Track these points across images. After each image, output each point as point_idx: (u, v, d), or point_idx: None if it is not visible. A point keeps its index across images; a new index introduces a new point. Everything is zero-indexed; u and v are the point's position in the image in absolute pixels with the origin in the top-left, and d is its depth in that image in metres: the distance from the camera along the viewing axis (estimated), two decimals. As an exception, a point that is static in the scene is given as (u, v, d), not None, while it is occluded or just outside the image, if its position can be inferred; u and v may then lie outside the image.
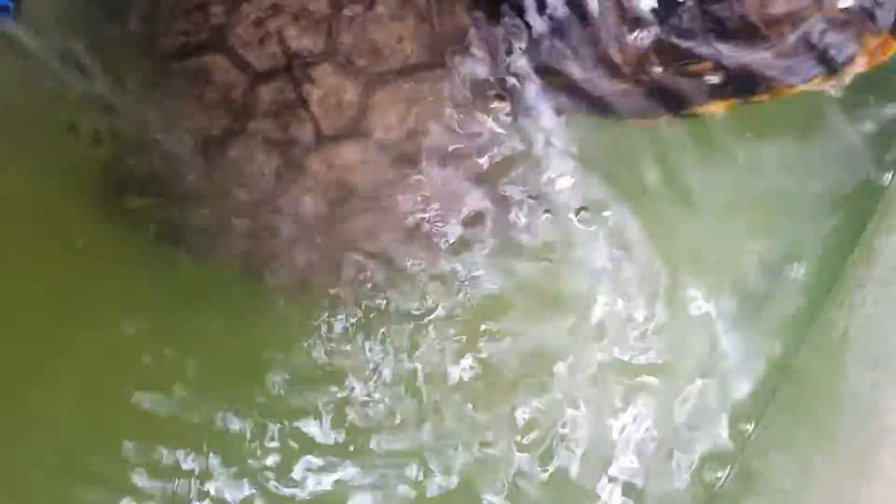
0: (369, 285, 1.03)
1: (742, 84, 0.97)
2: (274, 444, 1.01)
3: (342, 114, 0.96)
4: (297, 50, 0.95)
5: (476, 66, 1.02)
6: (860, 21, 0.92)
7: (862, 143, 1.04)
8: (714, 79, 0.97)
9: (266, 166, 0.98)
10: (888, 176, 1.04)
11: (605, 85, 0.98)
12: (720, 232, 1.04)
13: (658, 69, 0.97)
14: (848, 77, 0.97)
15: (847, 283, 1.00)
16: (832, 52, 0.94)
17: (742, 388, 1.02)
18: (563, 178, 1.03)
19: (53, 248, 1.03)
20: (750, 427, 1.01)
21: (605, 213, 1.03)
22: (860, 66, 0.95)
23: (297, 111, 0.95)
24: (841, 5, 0.92)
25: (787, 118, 1.05)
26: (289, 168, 0.97)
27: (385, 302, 1.03)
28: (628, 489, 1.01)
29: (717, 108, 1.00)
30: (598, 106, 1.00)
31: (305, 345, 1.02)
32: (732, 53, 0.95)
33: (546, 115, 1.01)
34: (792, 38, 0.94)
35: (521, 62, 1.00)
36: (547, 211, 1.03)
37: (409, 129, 0.98)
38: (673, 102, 1.00)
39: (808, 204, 1.04)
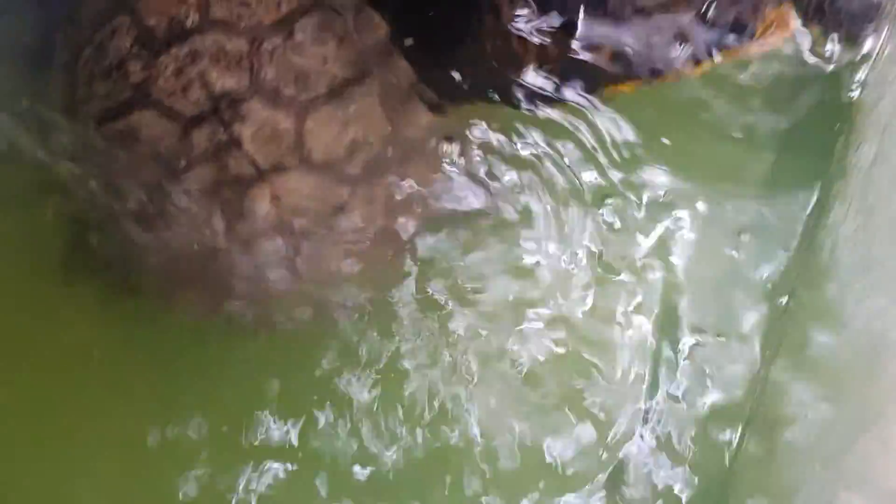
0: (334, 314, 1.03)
1: (644, 67, 0.98)
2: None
3: (279, 145, 0.96)
4: (223, 91, 0.95)
5: (400, 72, 1.03)
6: None
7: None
8: (613, 65, 0.98)
9: (212, 213, 0.97)
10: (853, 94, 1.05)
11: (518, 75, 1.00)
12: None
13: (557, 58, 0.99)
14: (753, 53, 0.99)
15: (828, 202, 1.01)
16: (730, 29, 0.95)
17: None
18: (505, 175, 1.05)
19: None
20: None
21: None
22: (761, 45, 0.96)
23: (233, 151, 0.95)
24: None
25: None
26: (235, 210, 0.97)
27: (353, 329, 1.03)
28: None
29: (626, 89, 1.02)
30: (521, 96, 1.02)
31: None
32: (629, 38, 0.97)
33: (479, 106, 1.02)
34: (687, 17, 0.95)
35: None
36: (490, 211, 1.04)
37: (349, 148, 0.99)
38: (586, 85, 1.02)
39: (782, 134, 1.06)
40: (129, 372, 1.02)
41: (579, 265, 1.04)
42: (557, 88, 1.02)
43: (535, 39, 0.99)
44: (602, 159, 1.05)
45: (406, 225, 1.04)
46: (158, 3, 0.97)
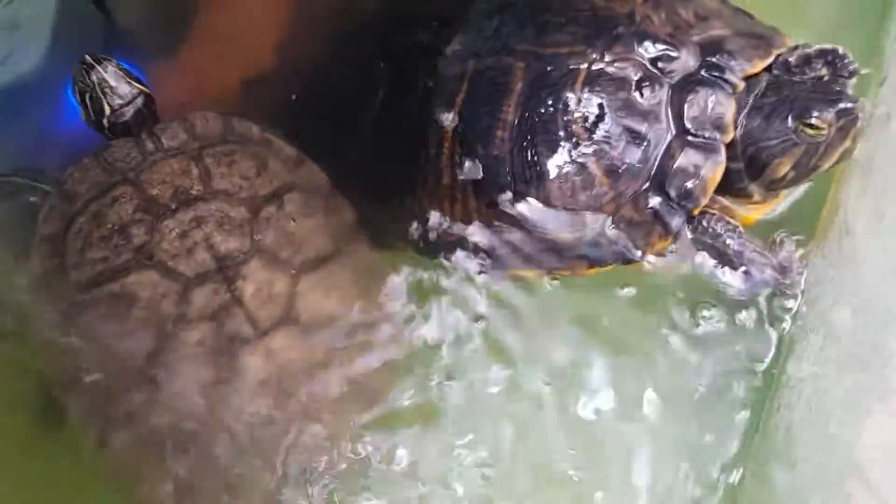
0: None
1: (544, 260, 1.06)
2: None
3: (275, 304, 1.01)
4: (227, 252, 1.00)
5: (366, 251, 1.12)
6: (651, 224, 1.02)
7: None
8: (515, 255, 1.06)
9: (205, 375, 0.98)
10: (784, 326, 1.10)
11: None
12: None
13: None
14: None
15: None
16: (623, 248, 1.03)
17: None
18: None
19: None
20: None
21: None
22: (649, 262, 1.05)
23: (232, 309, 0.99)
24: (634, 210, 1.02)
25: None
26: (227, 371, 0.98)
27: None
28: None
29: (529, 275, 1.09)
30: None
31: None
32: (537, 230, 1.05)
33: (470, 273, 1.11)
34: (590, 230, 1.03)
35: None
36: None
37: (329, 312, 1.05)
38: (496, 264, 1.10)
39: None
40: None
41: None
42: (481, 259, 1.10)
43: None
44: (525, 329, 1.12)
45: (373, 385, 1.07)
46: (163, 175, 1.04)
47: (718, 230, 1.03)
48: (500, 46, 1.04)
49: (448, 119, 1.06)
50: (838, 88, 0.97)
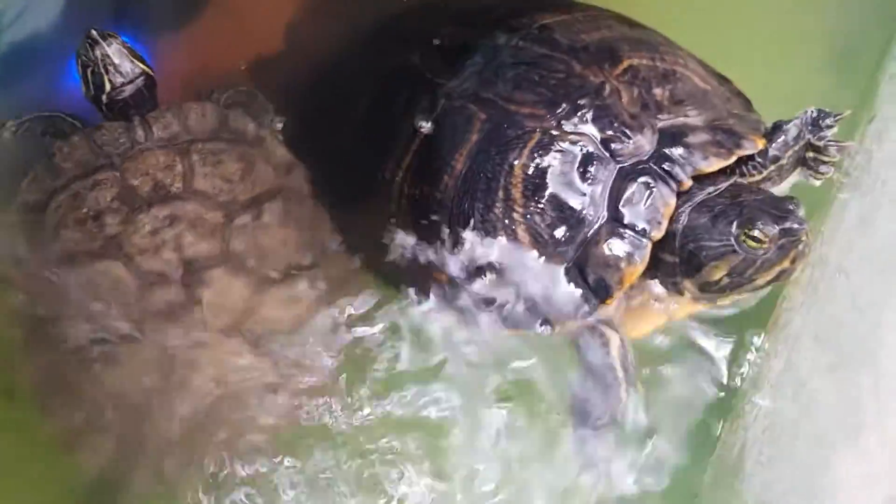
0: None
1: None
2: None
3: (231, 313, 1.02)
4: (194, 255, 1.02)
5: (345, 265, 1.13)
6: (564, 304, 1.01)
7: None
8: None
9: (149, 374, 1.00)
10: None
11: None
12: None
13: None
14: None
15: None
16: (533, 319, 1.02)
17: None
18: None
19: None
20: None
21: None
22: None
23: (188, 313, 1.00)
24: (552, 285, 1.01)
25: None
26: (171, 372, 1.00)
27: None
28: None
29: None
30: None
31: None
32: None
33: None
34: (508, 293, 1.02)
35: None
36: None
37: (287, 328, 1.06)
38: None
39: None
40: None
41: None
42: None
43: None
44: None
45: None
46: (146, 166, 1.06)
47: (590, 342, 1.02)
48: (472, 91, 1.04)
49: (408, 151, 1.06)
50: (791, 207, 0.94)
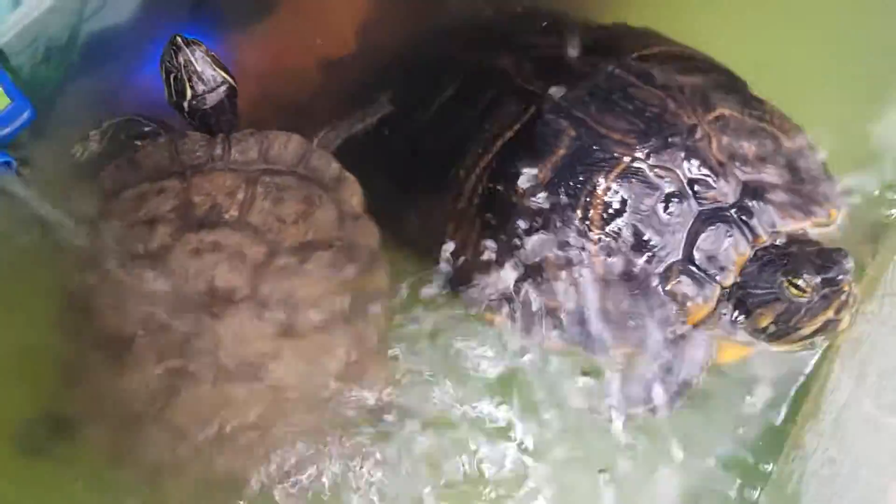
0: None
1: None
2: None
3: (246, 357, 1.02)
4: (223, 288, 1.02)
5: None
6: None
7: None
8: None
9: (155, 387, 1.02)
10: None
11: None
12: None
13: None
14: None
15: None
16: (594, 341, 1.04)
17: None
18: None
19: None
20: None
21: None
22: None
23: (203, 345, 1.01)
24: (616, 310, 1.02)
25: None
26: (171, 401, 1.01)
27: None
28: None
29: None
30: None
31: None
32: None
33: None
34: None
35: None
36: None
37: (300, 384, 1.04)
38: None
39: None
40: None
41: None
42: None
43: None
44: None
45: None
46: (212, 186, 1.07)
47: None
48: (564, 106, 1.06)
49: (488, 151, 1.09)
50: (837, 258, 0.96)
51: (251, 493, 1.03)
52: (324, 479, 1.05)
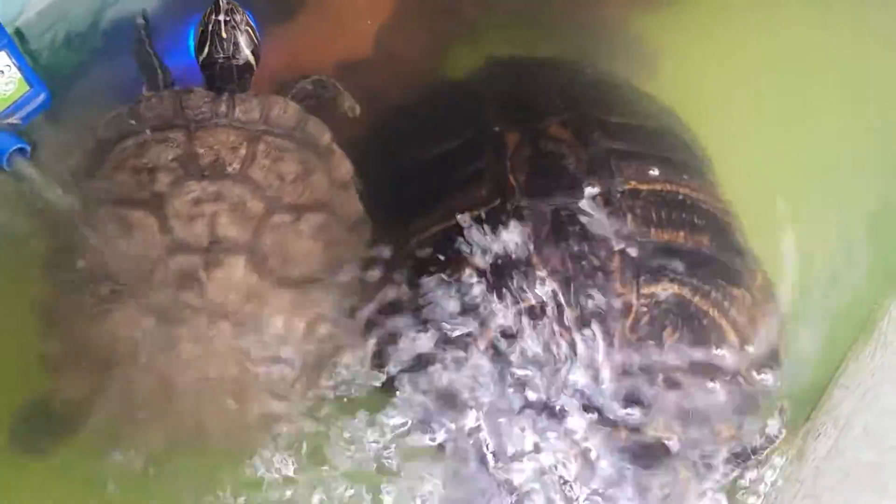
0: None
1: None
2: None
3: (235, 301, 1.05)
4: (223, 235, 1.05)
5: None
6: None
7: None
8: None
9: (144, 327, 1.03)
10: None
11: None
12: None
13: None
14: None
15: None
16: None
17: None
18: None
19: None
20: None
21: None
22: None
23: (196, 287, 1.04)
24: None
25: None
26: (160, 339, 1.03)
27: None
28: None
29: None
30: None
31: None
32: None
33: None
34: None
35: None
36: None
37: (280, 333, 1.07)
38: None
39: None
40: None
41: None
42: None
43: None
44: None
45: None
46: (216, 140, 1.11)
47: None
48: (525, 214, 1.06)
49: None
50: None
51: (217, 446, 1.06)
52: (297, 438, 1.08)
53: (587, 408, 1.00)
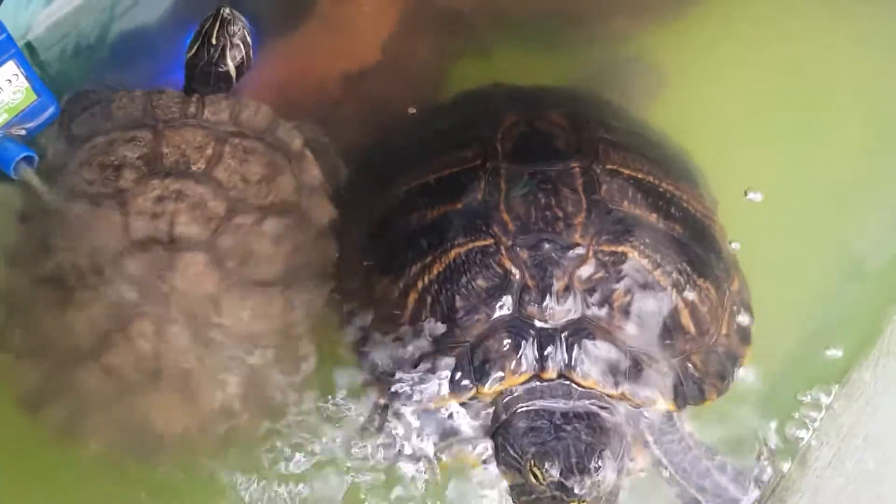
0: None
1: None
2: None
3: (192, 300, 1.05)
4: (182, 234, 1.06)
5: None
6: None
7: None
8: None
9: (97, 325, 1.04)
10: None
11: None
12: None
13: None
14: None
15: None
16: None
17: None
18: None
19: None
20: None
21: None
22: None
23: (158, 285, 1.04)
24: None
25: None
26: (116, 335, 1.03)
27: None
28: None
29: None
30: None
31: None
32: None
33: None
34: None
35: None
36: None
37: (240, 332, 1.07)
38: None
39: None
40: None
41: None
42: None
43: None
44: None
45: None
46: (182, 140, 1.12)
47: None
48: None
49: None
50: (592, 466, 0.91)
51: (171, 442, 1.05)
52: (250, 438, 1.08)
53: (518, 346, 0.98)
